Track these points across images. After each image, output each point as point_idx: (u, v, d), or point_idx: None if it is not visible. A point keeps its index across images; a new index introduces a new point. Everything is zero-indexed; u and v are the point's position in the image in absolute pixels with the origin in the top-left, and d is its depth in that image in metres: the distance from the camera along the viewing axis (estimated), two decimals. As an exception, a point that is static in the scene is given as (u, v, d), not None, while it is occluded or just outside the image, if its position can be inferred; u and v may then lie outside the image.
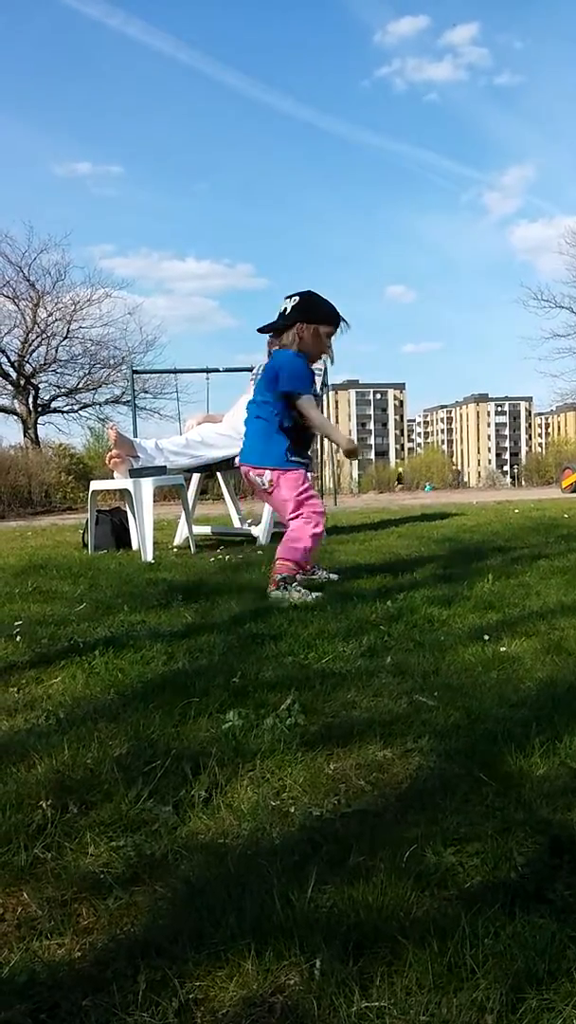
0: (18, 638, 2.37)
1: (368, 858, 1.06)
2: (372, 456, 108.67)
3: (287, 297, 3.23)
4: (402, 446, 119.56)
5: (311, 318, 3.19)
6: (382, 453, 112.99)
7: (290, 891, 0.98)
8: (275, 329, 3.24)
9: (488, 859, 1.06)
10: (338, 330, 3.26)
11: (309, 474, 3.42)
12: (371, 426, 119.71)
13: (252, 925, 0.92)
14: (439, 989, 0.82)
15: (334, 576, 3.34)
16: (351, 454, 3.33)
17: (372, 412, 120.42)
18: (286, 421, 3.17)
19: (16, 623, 2.55)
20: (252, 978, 0.84)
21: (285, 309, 3.20)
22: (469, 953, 0.86)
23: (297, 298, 3.21)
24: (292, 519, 3.16)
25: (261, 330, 3.28)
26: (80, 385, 22.47)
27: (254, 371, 6.00)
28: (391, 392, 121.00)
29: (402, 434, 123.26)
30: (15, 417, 22.11)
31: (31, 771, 1.38)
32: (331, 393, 6.09)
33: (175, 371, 10.56)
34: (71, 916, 0.98)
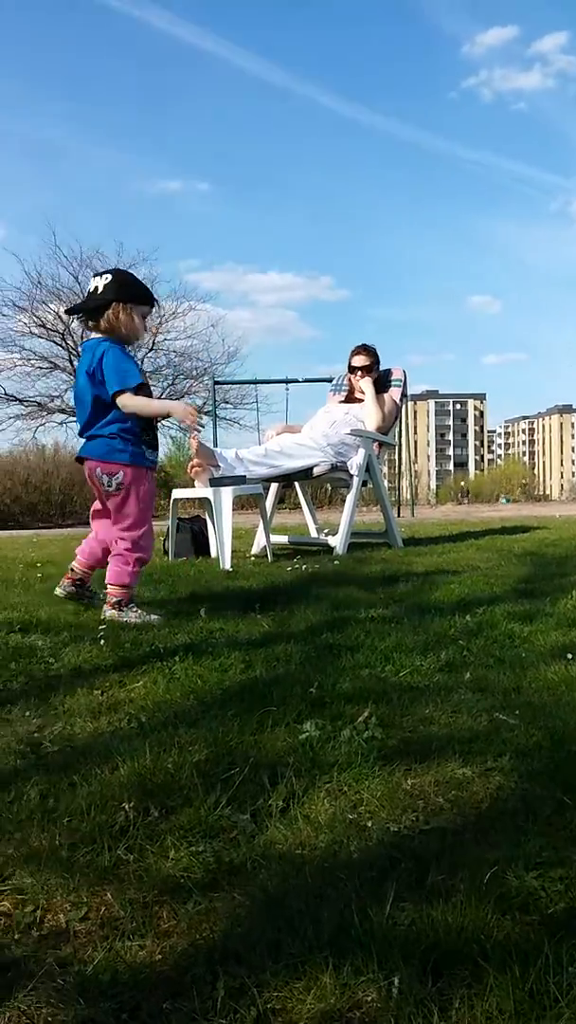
0: (102, 642, 2.43)
1: (447, 877, 1.05)
2: (451, 467, 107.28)
3: (96, 275, 2.96)
4: (482, 457, 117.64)
5: (127, 297, 2.90)
6: (461, 464, 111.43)
7: (368, 906, 0.98)
8: (85, 310, 2.96)
9: (573, 885, 1.03)
10: (152, 311, 3.04)
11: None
12: (450, 436, 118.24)
13: (330, 938, 0.92)
14: (520, 1016, 0.81)
15: (155, 617, 2.85)
16: (189, 421, 3.02)
17: (451, 423, 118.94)
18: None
19: (100, 627, 2.62)
20: (330, 992, 0.84)
21: (96, 288, 2.90)
22: (552, 980, 0.84)
23: (109, 276, 2.92)
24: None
25: (70, 311, 3.00)
26: (163, 396, 22.92)
27: (334, 382, 6.02)
28: (471, 403, 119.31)
29: (482, 445, 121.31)
30: (100, 426, 22.71)
31: (114, 773, 1.41)
32: (410, 403, 6.05)
33: (255, 382, 10.69)
34: (152, 918, 1.00)
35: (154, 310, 3.10)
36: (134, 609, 2.87)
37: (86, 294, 3.01)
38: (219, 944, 0.93)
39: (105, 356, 2.84)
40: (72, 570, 3.14)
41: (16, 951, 0.94)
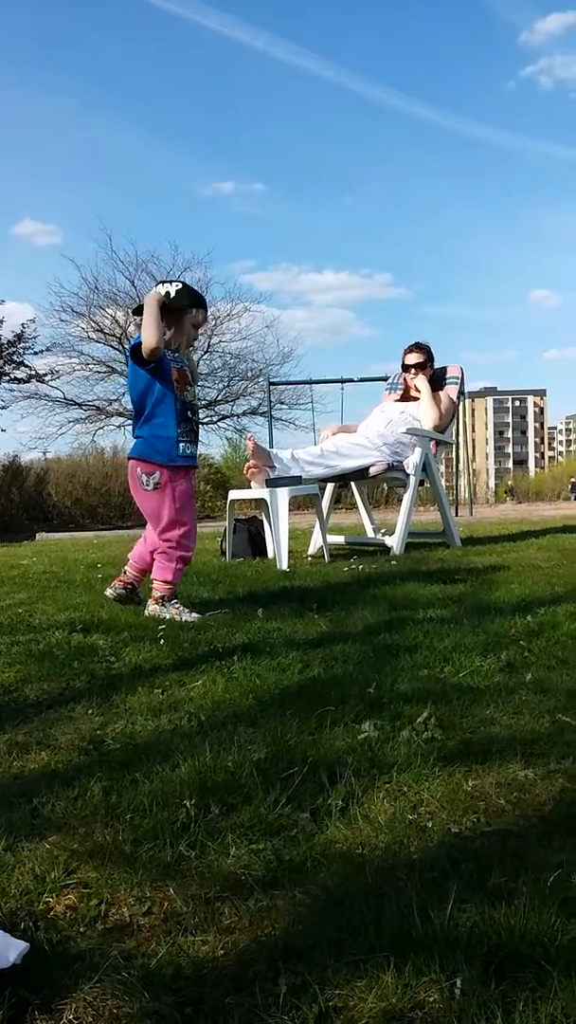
0: (161, 642, 2.46)
1: (510, 880, 1.04)
2: (510, 465, 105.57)
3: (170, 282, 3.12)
4: (542, 454, 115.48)
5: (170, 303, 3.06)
6: (521, 462, 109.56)
7: (429, 907, 0.97)
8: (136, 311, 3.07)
9: None
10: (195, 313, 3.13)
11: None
12: (509, 434, 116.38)
13: (391, 938, 0.92)
14: (587, 1022, 0.79)
15: (195, 616, 2.92)
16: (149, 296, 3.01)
17: (510, 420, 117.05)
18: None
19: (160, 627, 2.66)
20: (391, 991, 0.84)
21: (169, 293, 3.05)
22: (619, 987, 0.83)
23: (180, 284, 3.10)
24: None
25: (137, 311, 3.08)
26: (219, 397, 23.11)
27: (389, 381, 5.99)
28: (531, 399, 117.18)
29: (542, 442, 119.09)
30: (158, 429, 23.01)
31: (175, 771, 1.43)
32: (467, 401, 5.98)
33: (310, 382, 10.71)
34: (214, 914, 1.01)
35: (200, 312, 3.19)
36: (175, 605, 2.97)
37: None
38: (281, 941, 0.94)
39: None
40: (124, 573, 3.24)
41: (82, 944, 0.96)
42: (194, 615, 2.90)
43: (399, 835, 1.18)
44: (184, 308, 3.07)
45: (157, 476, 2.99)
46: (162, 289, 3.06)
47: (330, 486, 5.45)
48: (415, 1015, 0.82)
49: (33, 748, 1.62)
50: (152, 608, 2.98)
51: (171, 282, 3.14)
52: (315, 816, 1.26)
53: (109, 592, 3.24)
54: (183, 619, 2.86)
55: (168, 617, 2.89)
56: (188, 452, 3.04)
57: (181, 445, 3.01)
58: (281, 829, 1.22)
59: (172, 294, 3.05)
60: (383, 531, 5.66)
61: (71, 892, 1.07)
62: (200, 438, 3.22)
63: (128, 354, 3.05)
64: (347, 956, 0.90)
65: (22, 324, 14.19)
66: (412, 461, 5.00)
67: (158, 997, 0.85)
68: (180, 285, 3.10)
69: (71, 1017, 0.84)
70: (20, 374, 14.31)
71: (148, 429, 3.02)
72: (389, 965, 0.87)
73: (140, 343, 2.91)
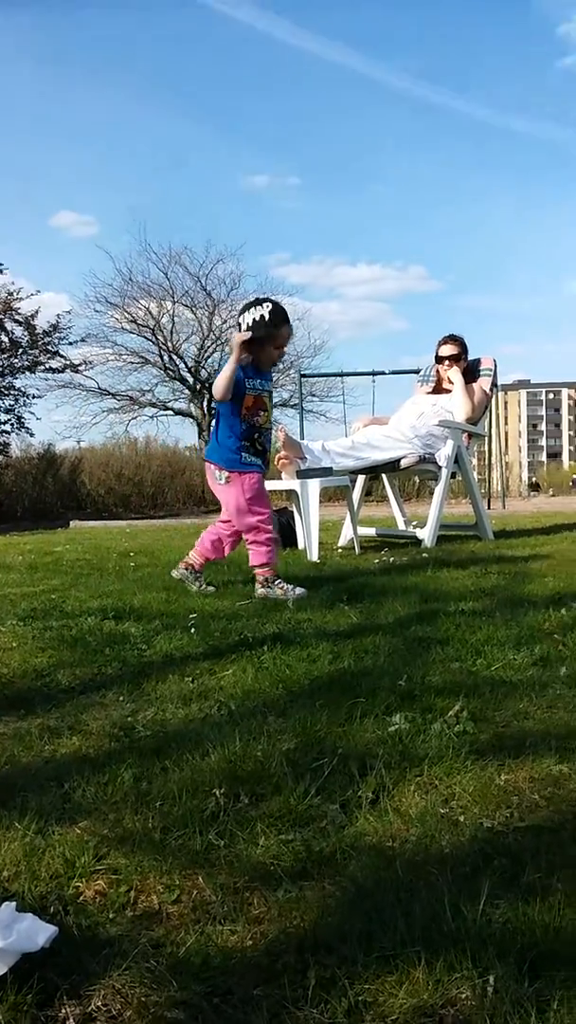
0: (192, 631, 2.47)
1: (544, 876, 1.02)
2: (544, 458, 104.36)
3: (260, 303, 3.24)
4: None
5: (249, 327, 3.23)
6: (554, 455, 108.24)
7: (461, 902, 0.96)
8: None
9: None
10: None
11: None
12: (543, 427, 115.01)
13: (422, 933, 0.91)
14: (623, 1024, 0.77)
15: (300, 591, 3.12)
16: (244, 348, 3.16)
17: (544, 412, 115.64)
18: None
19: (191, 616, 2.66)
20: (422, 987, 0.83)
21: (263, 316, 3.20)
22: None
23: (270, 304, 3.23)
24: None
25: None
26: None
27: (421, 373, 5.93)
28: (565, 391, 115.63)
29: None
30: (191, 420, 23.08)
31: (205, 759, 1.43)
32: (500, 394, 5.91)
33: (341, 374, 10.66)
34: (243, 904, 1.00)
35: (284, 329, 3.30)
36: (280, 585, 3.15)
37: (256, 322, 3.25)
38: (310, 933, 0.93)
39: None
40: (188, 556, 3.46)
41: (111, 930, 0.96)
42: (299, 590, 3.09)
43: (430, 829, 1.17)
44: (267, 335, 3.20)
45: (227, 473, 3.26)
46: (247, 320, 3.20)
47: (361, 478, 5.41)
48: (446, 1012, 0.80)
49: (64, 733, 1.63)
50: (260, 592, 3.15)
51: (260, 303, 3.25)
52: (345, 808, 1.25)
53: (174, 573, 3.45)
54: (292, 596, 3.04)
55: (277, 596, 3.07)
56: (249, 460, 3.26)
57: (243, 454, 3.25)
58: (311, 820, 1.21)
59: (255, 321, 3.18)
60: (414, 523, 5.62)
61: (101, 878, 1.07)
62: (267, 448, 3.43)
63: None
64: (377, 950, 0.89)
65: (57, 315, 14.29)
66: (444, 453, 4.95)
67: (186, 986, 0.85)
68: (270, 306, 3.23)
69: (99, 1003, 0.83)
70: (55, 364, 14.41)
71: (216, 438, 3.30)
72: (420, 960, 0.86)
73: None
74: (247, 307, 3.26)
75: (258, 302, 3.26)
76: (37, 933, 0.89)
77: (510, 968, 0.85)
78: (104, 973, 0.87)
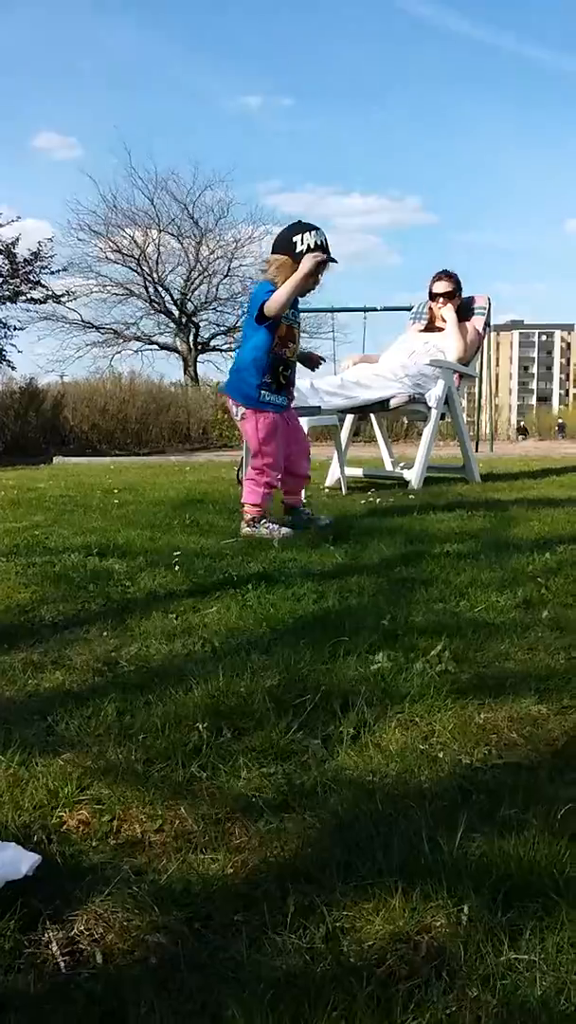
0: (176, 568, 2.47)
1: (520, 812, 1.04)
2: (534, 401, 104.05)
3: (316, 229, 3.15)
4: (567, 391, 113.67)
5: (277, 248, 3.19)
6: (544, 398, 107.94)
7: (439, 835, 0.98)
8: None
9: None
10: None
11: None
12: (534, 369, 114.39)
13: (400, 863, 0.93)
14: (592, 952, 0.80)
15: (286, 531, 3.11)
16: (309, 265, 3.05)
17: (536, 355, 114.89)
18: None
19: (175, 553, 2.66)
20: (399, 914, 0.85)
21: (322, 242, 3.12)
22: (627, 920, 0.83)
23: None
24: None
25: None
26: (239, 324, 22.78)
27: (413, 310, 5.84)
28: (557, 333, 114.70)
29: (567, 378, 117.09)
30: (176, 355, 22.80)
31: (188, 694, 1.44)
32: (492, 335, 5.84)
33: (331, 310, 10.48)
34: (224, 834, 1.02)
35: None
36: (267, 525, 3.13)
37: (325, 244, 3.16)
38: (289, 862, 0.95)
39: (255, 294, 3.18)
40: (282, 502, 3.45)
41: (94, 858, 0.98)
42: (285, 530, 3.09)
43: (410, 764, 1.19)
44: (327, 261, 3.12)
45: (243, 410, 3.21)
46: (309, 241, 3.08)
47: (349, 417, 5.37)
48: (421, 938, 0.82)
49: (48, 667, 1.64)
50: (245, 530, 3.12)
51: (310, 228, 3.13)
52: (326, 743, 1.26)
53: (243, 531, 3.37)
54: (276, 535, 3.02)
55: (262, 535, 3.05)
56: (269, 399, 3.19)
57: (262, 392, 3.17)
58: (292, 754, 1.23)
59: (318, 244, 3.09)
60: (402, 464, 5.61)
61: (84, 808, 1.08)
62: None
63: (251, 301, 3.19)
64: (355, 879, 0.91)
65: (39, 242, 13.88)
66: (434, 394, 4.91)
67: (168, 912, 0.87)
68: (322, 232, 3.14)
69: (82, 928, 0.85)
70: (37, 294, 14.06)
71: (237, 371, 3.24)
72: (397, 889, 0.88)
73: (265, 302, 3.03)
74: (299, 229, 3.13)
75: (307, 226, 3.14)
76: (20, 861, 0.90)
77: (485, 899, 0.87)
78: (87, 899, 0.89)
